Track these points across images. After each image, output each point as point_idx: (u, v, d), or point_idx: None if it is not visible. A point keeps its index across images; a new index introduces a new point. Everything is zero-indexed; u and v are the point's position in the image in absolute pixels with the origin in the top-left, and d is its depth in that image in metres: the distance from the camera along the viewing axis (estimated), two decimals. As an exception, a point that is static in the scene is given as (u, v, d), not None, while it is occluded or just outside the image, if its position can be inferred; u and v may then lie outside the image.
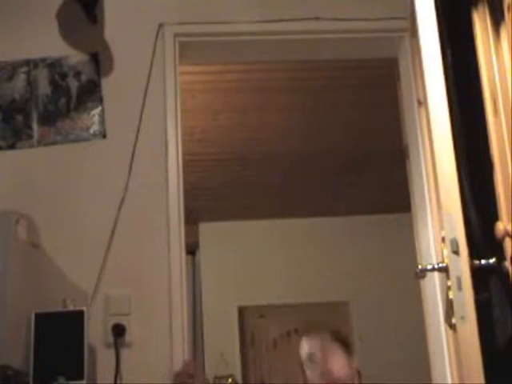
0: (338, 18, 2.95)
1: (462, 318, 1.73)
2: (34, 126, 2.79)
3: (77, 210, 2.71)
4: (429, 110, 1.90)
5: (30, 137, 2.78)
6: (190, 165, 4.62)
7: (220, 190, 5.67)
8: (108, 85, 2.85)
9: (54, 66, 2.86)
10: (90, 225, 2.69)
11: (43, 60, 2.86)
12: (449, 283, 1.79)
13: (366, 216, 6.52)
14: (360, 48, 3.08)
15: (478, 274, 1.81)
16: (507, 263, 1.92)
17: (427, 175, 2.62)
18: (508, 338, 2.01)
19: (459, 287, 1.74)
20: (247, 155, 5.05)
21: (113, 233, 2.67)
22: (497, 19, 2.09)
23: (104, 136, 2.80)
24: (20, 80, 2.84)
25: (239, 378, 5.96)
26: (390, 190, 5.23)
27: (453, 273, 1.76)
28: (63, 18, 2.89)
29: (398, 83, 3.09)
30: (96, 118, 2.82)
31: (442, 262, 1.84)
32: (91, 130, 2.81)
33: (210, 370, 5.85)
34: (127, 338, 2.58)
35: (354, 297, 6.47)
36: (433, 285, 2.66)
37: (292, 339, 6.47)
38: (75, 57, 2.88)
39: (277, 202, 6.06)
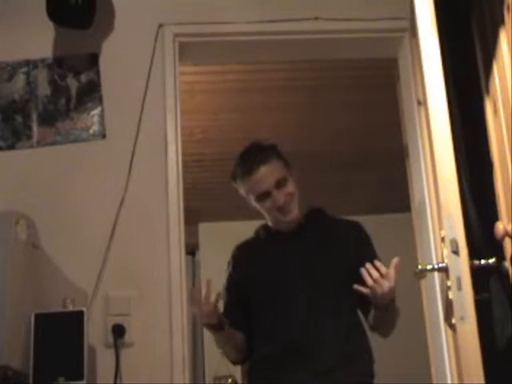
0: (337, 18, 2.94)
1: (462, 318, 1.73)
2: (34, 126, 2.79)
3: (77, 210, 2.71)
4: (429, 110, 1.90)
5: (30, 137, 2.78)
6: (189, 165, 4.63)
7: (220, 190, 5.65)
8: (108, 85, 2.85)
9: (54, 66, 2.86)
10: (90, 225, 2.69)
11: (43, 60, 2.86)
12: (449, 283, 1.79)
13: (366, 216, 6.51)
14: (360, 48, 3.07)
15: (477, 274, 1.82)
16: (507, 263, 1.92)
17: (427, 175, 2.62)
18: (508, 337, 2.01)
19: (459, 287, 1.74)
20: (247, 155, 5.03)
21: (113, 233, 2.67)
22: (496, 20, 2.09)
23: (104, 136, 2.80)
24: (20, 80, 2.84)
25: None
26: (390, 190, 5.22)
27: (453, 273, 1.76)
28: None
29: (397, 83, 3.09)
30: (96, 119, 2.81)
31: (442, 262, 1.85)
32: (91, 131, 2.81)
33: (210, 370, 5.84)
34: (127, 338, 2.57)
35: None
36: (433, 285, 2.65)
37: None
38: (75, 57, 2.88)
39: (276, 202, 6.03)
